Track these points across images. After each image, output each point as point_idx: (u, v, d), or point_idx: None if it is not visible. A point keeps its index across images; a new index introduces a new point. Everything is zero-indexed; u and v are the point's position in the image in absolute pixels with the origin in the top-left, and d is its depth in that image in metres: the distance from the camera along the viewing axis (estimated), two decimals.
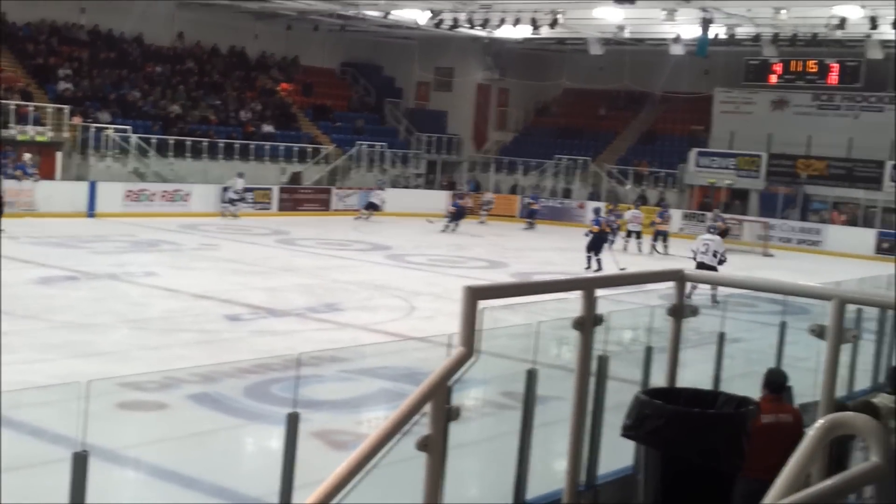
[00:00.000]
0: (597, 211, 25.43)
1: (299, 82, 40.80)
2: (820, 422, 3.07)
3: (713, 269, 18.11)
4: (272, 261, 22.51)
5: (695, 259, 19.09)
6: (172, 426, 9.66)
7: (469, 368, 4.11)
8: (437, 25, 34.22)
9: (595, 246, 23.64)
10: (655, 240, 29.46)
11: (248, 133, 35.79)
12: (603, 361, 6.40)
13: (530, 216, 35.62)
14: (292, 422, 5.59)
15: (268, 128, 36.73)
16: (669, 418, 4.36)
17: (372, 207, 34.16)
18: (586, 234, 24.26)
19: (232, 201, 31.58)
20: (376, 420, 9.08)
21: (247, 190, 32.23)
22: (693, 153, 38.15)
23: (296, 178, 35.75)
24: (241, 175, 32.01)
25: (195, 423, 9.74)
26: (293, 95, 40.00)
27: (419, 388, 4.06)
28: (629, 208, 31.76)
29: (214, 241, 25.22)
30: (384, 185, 36.50)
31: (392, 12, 33.95)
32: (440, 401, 4.11)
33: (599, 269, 23.02)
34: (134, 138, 31.51)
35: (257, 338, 13.93)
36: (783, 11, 28.90)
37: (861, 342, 8.91)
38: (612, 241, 26.15)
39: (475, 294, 4.13)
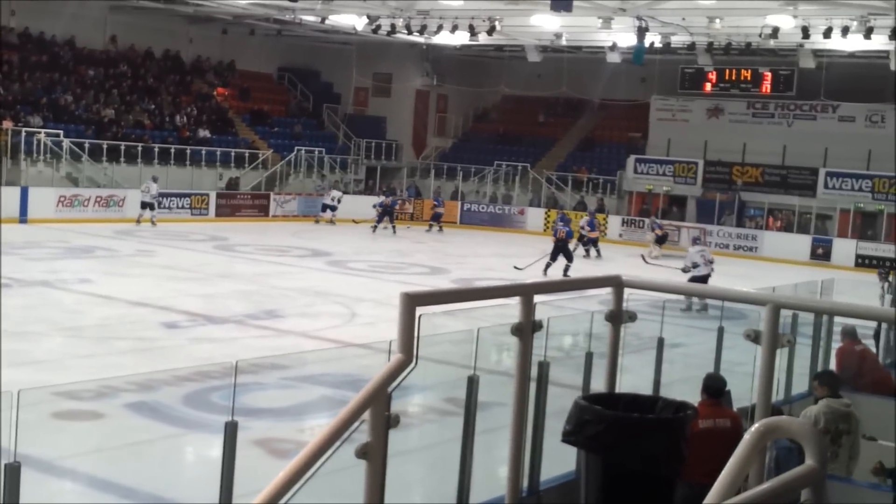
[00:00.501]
0: (562, 219, 27.33)
1: (235, 87, 40.48)
2: (755, 426, 3.11)
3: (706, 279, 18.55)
4: (210, 267, 22.28)
5: (689, 270, 19.41)
6: (109, 435, 9.51)
7: (408, 375, 4.11)
8: (375, 31, 34.16)
9: (555, 254, 24.27)
10: (586, 245, 29.74)
11: (184, 138, 35.40)
12: (543, 367, 6.42)
13: (435, 219, 35.52)
14: (231, 430, 5.54)
15: (204, 133, 36.36)
16: (609, 424, 4.38)
17: (329, 209, 33.99)
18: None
19: (145, 205, 30.07)
20: (318, 427, 9.03)
21: (162, 195, 31.07)
22: (631, 160, 38.57)
23: (233, 183, 35.44)
24: (154, 179, 30.71)
25: (132, 433, 9.60)
26: (229, 100, 39.67)
27: (358, 395, 4.05)
28: (581, 215, 32.02)
29: (150, 248, 24.90)
30: (336, 185, 36.40)
31: (329, 17, 33.82)
32: (379, 408, 4.10)
33: (565, 274, 23.24)
34: (66, 143, 30.99)
35: (195, 345, 13.77)
36: (717, 21, 29.34)
37: (797, 347, 9.06)
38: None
39: (413, 300, 4.12)
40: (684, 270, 19.95)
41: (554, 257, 24.20)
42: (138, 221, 29.76)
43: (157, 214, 30.37)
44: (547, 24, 31.96)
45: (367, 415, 4.07)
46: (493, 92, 44.03)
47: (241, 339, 14.30)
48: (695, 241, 22.39)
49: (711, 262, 19.95)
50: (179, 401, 10.40)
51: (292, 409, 10.72)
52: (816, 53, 32.96)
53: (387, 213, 33.35)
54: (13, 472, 4.62)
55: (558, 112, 43.80)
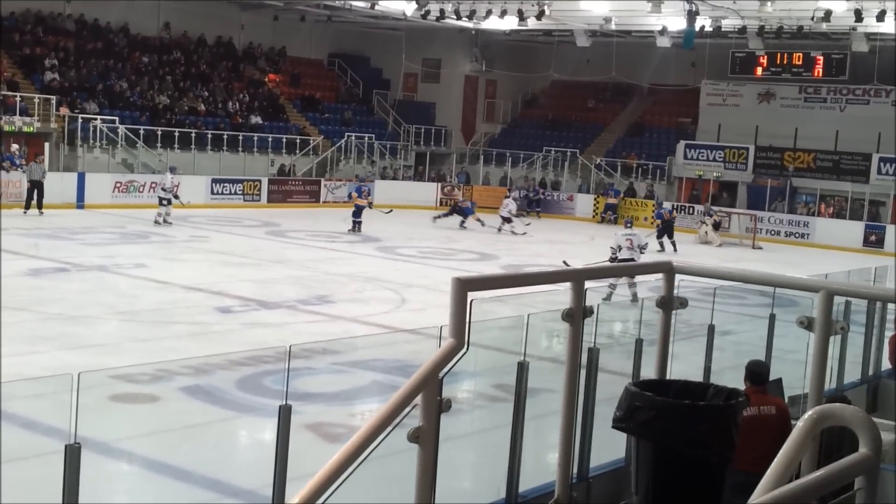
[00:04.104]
0: (660, 204, 32.04)
1: (286, 73, 40.73)
2: (808, 413, 3.11)
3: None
4: (263, 252, 22.50)
5: (615, 256, 18.94)
6: (165, 418, 9.68)
7: (460, 360, 4.14)
8: (424, 16, 34.17)
9: (661, 233, 28.33)
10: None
11: (236, 124, 35.73)
12: (593, 353, 6.42)
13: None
14: (285, 414, 5.60)
15: (256, 119, 36.66)
16: (660, 410, 4.37)
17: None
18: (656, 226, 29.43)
19: (162, 201, 26.59)
20: (369, 412, 9.10)
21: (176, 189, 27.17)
22: (681, 145, 38.20)
23: (285, 170, 35.70)
24: (172, 169, 27.85)
25: (188, 416, 9.76)
26: (281, 86, 39.92)
27: (410, 379, 4.08)
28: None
29: (205, 233, 25.19)
30: (372, 176, 36.46)
31: (379, 3, 33.90)
32: (431, 392, 4.13)
33: (675, 250, 27.35)
34: (122, 129, 31.41)
35: (249, 330, 13.95)
36: (769, 4, 28.98)
37: (850, 334, 8.97)
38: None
39: (465, 285, 4.13)
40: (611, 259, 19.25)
41: (661, 235, 28.11)
42: (165, 220, 26.11)
43: (162, 212, 26.31)
44: (596, 8, 31.80)
45: (418, 399, 4.11)
46: (542, 77, 43.80)
47: (292, 324, 14.45)
48: (625, 223, 22.20)
49: (641, 247, 19.02)
50: (233, 385, 10.55)
51: (343, 394, 10.82)
52: (870, 37, 32.40)
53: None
54: (73, 453, 4.71)
55: (607, 97, 43.48)
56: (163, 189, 27.04)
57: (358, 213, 28.00)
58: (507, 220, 30.28)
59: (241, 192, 33.07)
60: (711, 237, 31.10)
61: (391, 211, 31.39)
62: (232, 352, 11.52)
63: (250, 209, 32.03)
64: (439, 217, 31.00)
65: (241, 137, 34.91)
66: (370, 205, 28.94)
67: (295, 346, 6.37)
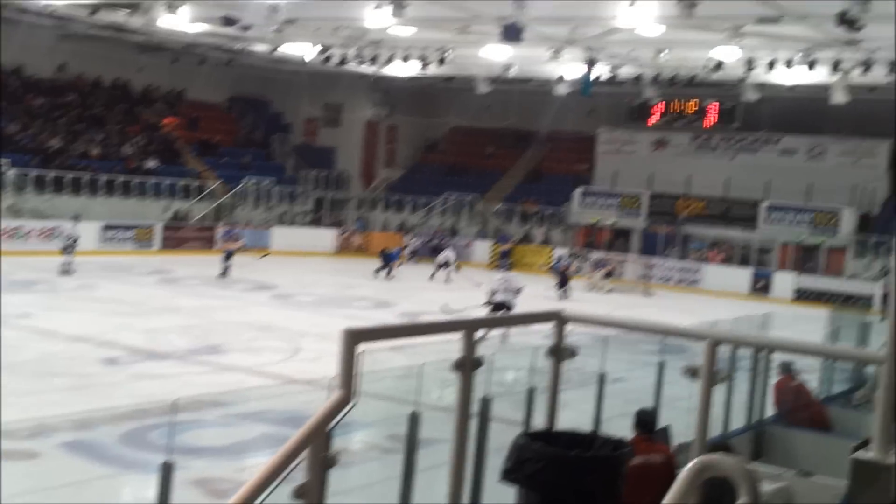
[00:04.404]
0: (557, 259, 32.56)
1: (185, 116, 40.12)
2: (691, 463, 3.11)
3: (510, 307, 19.22)
4: (153, 301, 21.98)
5: (492, 300, 19.67)
6: (43, 476, 9.28)
7: (349, 412, 4.05)
8: (326, 61, 34.14)
9: (560, 285, 28.80)
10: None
11: (131, 168, 35.02)
12: (486, 403, 6.39)
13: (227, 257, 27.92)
14: (166, 471, 5.42)
15: (151, 163, 35.99)
16: (548, 461, 4.36)
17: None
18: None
19: (66, 249, 25.88)
20: (258, 467, 8.88)
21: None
22: (577, 192, 38.82)
23: (181, 215, 35.06)
24: (76, 217, 27.49)
25: (67, 473, 9.39)
26: (178, 130, 39.29)
27: (295, 434, 3.98)
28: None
29: (92, 282, 24.48)
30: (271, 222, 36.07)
31: (280, 47, 33.77)
32: (318, 447, 4.03)
33: (567, 297, 27.88)
34: (11, 173, 30.47)
35: (136, 382, 13.56)
36: (664, 53, 29.71)
37: (736, 381, 9.12)
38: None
39: (354, 337, 4.07)
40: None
41: (560, 286, 28.71)
42: (67, 269, 25.58)
43: (67, 262, 25.66)
44: (497, 55, 32.17)
45: (306, 454, 4.00)
46: (443, 123, 44.17)
47: (182, 375, 14.10)
48: (501, 267, 24.79)
49: (516, 291, 19.78)
50: (117, 440, 10.21)
51: (232, 448, 10.56)
52: (760, 86, 33.43)
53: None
54: None
55: (506, 144, 44.01)
56: (66, 237, 26.36)
57: (227, 257, 27.68)
58: (443, 265, 31.18)
59: (133, 238, 32.34)
60: (600, 284, 31.65)
61: (266, 255, 31.16)
62: (117, 405, 11.16)
63: (142, 256, 31.34)
64: (378, 270, 30.71)
65: (135, 182, 34.22)
66: (240, 248, 28.79)
67: (183, 398, 6.20)
